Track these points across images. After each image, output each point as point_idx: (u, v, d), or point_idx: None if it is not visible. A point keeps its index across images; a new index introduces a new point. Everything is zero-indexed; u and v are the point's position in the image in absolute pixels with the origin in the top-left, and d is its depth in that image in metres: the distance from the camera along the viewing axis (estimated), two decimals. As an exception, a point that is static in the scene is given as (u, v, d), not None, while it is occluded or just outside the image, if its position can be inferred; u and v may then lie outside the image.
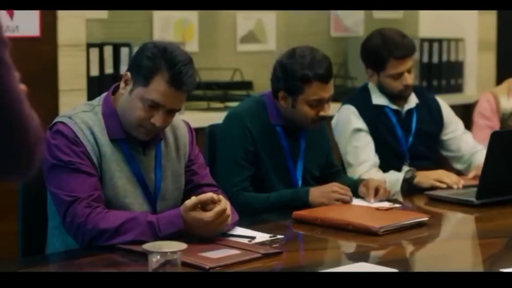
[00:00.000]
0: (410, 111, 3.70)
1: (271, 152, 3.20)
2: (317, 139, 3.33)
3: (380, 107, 3.66)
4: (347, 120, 3.63)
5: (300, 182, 3.25)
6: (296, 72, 3.10)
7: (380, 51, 3.57)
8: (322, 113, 3.14)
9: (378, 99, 3.66)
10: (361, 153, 3.58)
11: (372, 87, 3.69)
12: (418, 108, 3.72)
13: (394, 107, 3.67)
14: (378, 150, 3.61)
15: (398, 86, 3.61)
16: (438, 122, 3.79)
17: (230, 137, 3.18)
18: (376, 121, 3.63)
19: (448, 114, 3.84)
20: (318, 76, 3.09)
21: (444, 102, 3.88)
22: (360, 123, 3.61)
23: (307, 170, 3.28)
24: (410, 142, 3.68)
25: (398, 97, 3.66)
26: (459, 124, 3.86)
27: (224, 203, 2.53)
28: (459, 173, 3.69)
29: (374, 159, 3.58)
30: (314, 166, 3.32)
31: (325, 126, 3.42)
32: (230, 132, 3.20)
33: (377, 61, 3.60)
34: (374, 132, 3.62)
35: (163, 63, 2.54)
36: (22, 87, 1.48)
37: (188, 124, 2.85)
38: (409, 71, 3.60)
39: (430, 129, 3.74)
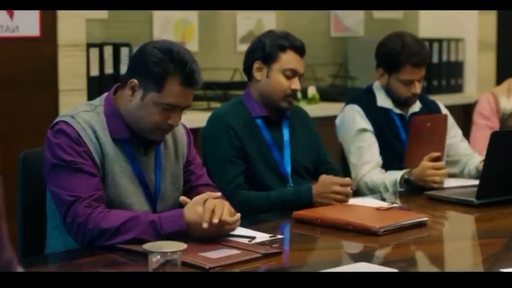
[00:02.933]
0: (414, 114, 3.70)
1: (256, 146, 3.25)
2: (302, 131, 3.39)
3: (385, 110, 3.66)
4: (352, 120, 3.64)
5: (289, 171, 3.28)
6: (273, 41, 3.26)
7: (398, 54, 3.58)
8: (294, 86, 3.24)
9: (383, 101, 3.67)
10: (365, 153, 3.59)
11: (377, 89, 3.70)
12: (422, 112, 3.72)
13: (398, 111, 3.68)
14: (381, 152, 3.61)
15: (406, 92, 3.62)
16: None
17: (216, 137, 3.24)
18: (381, 122, 3.64)
19: (449, 119, 3.84)
20: (294, 46, 3.25)
21: (444, 107, 3.89)
22: (365, 123, 3.62)
23: (298, 162, 3.32)
24: None
25: (403, 104, 3.67)
26: (458, 130, 3.89)
27: (234, 220, 2.55)
28: (453, 176, 3.69)
29: (377, 159, 3.59)
30: (305, 158, 3.35)
31: (309, 120, 3.48)
32: (215, 132, 3.26)
33: (393, 63, 3.61)
34: (379, 133, 3.63)
35: (173, 66, 2.55)
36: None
37: (185, 126, 2.86)
38: (419, 80, 3.63)
39: None
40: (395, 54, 3.60)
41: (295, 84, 3.25)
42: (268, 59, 3.25)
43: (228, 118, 3.25)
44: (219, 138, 3.22)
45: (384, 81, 3.66)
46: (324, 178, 3.11)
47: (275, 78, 3.25)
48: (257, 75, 3.29)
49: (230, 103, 3.42)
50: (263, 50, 3.26)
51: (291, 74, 3.24)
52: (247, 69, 3.33)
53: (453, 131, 3.84)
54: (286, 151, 3.30)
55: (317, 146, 3.44)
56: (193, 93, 2.63)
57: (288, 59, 3.24)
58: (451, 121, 3.85)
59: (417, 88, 3.62)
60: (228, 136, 3.22)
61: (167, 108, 2.57)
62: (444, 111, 3.86)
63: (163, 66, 2.55)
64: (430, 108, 3.80)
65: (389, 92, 3.66)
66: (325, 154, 3.47)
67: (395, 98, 3.66)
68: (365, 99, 3.69)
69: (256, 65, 3.28)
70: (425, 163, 3.43)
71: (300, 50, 3.26)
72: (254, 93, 3.32)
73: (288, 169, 3.29)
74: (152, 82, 2.56)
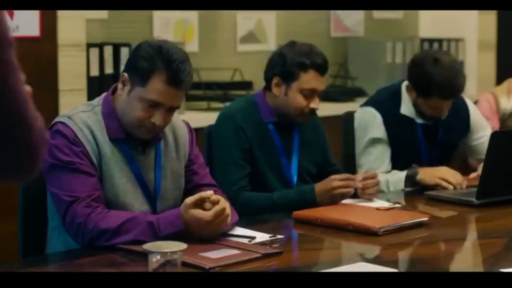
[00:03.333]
0: (437, 121, 3.63)
1: (264, 150, 3.22)
2: (312, 136, 3.35)
3: (407, 118, 3.60)
4: (368, 126, 3.61)
5: (295, 179, 3.26)
6: (294, 58, 3.16)
7: (430, 83, 3.45)
8: (312, 105, 3.18)
9: (407, 109, 3.60)
10: (374, 160, 3.57)
11: (404, 93, 3.62)
12: (446, 118, 3.63)
13: (421, 121, 3.62)
14: (397, 159, 3.57)
15: (431, 113, 3.56)
16: (464, 128, 3.74)
17: (225, 137, 3.20)
18: (400, 131, 3.59)
19: (476, 120, 3.78)
20: (316, 65, 3.15)
21: (473, 106, 3.82)
22: (380, 132, 3.58)
23: (303, 167, 3.29)
24: (432, 153, 3.63)
25: (426, 118, 3.61)
26: (486, 130, 3.79)
27: (223, 203, 2.53)
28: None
29: (386, 167, 3.57)
30: (310, 163, 3.33)
31: (319, 122, 3.43)
32: (224, 132, 3.21)
33: (423, 88, 3.51)
34: (396, 142, 3.58)
35: (160, 62, 2.54)
36: (28, 88, 1.48)
37: (188, 124, 2.85)
38: (447, 106, 3.54)
39: (453, 138, 3.70)
40: (427, 80, 3.46)
41: (314, 103, 3.17)
42: (288, 78, 3.16)
43: (239, 119, 3.19)
44: (228, 138, 3.18)
45: (412, 96, 3.58)
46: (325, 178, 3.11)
47: (293, 97, 3.16)
48: (275, 90, 3.20)
49: (242, 101, 3.33)
50: (283, 67, 3.16)
51: (310, 93, 3.16)
52: (267, 79, 3.25)
53: (480, 133, 3.77)
54: (294, 158, 3.27)
55: (324, 148, 3.40)
56: (181, 94, 2.60)
57: (308, 79, 3.15)
58: (477, 121, 3.78)
59: (444, 111, 3.53)
60: (237, 137, 3.17)
61: (151, 104, 2.56)
62: (473, 112, 3.79)
63: (150, 61, 2.55)
64: (458, 111, 3.70)
65: (415, 105, 3.59)
66: (330, 156, 3.45)
67: (420, 111, 3.59)
68: (388, 105, 3.62)
69: (275, 80, 3.19)
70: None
71: (321, 69, 3.16)
72: (270, 101, 3.23)
73: (295, 176, 3.25)
74: (139, 76, 2.56)
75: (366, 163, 3.59)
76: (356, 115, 3.71)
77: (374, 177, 3.14)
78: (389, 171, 3.58)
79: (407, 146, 3.61)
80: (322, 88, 3.20)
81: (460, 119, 3.73)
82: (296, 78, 3.15)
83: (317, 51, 3.19)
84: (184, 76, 2.55)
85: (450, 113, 3.62)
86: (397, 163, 3.59)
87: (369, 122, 3.62)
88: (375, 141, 3.60)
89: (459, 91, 3.54)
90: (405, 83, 3.65)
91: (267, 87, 3.25)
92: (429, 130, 3.63)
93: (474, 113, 3.81)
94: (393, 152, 3.61)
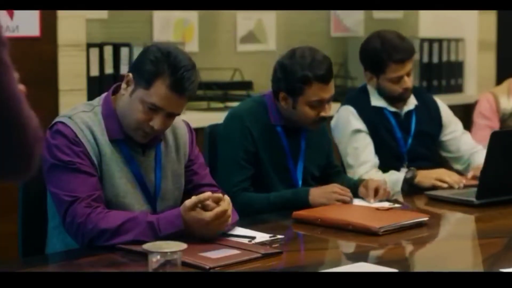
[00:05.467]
0: (409, 112, 3.71)
1: (271, 152, 3.20)
2: (318, 139, 3.34)
3: (379, 109, 3.66)
4: (346, 121, 3.63)
5: (300, 182, 3.25)
6: (296, 73, 3.11)
7: (379, 54, 3.56)
8: (322, 114, 3.15)
9: (377, 101, 3.66)
10: (361, 154, 3.58)
11: (371, 88, 3.69)
12: (417, 110, 3.72)
13: (393, 109, 3.67)
14: (377, 151, 3.61)
15: (397, 89, 3.61)
16: (437, 123, 3.80)
17: (231, 137, 3.19)
18: (375, 122, 3.64)
19: (447, 115, 3.84)
20: (318, 77, 3.10)
21: (442, 103, 3.89)
22: (359, 124, 3.61)
23: (308, 170, 3.28)
24: (409, 143, 3.68)
25: (397, 100, 3.66)
26: (458, 124, 3.87)
27: (226, 204, 2.53)
28: (458, 173, 3.70)
29: (374, 160, 3.59)
30: (314, 166, 3.32)
31: (325, 126, 3.42)
32: (231, 132, 3.20)
33: (376, 64, 3.59)
34: (373, 133, 3.62)
35: (166, 68, 2.54)
36: (21, 87, 1.48)
37: (188, 124, 2.85)
38: (408, 74, 3.60)
39: (429, 130, 3.75)
40: (376, 54, 3.57)
41: (324, 111, 3.14)
42: (293, 93, 3.13)
43: (247, 120, 3.17)
44: (234, 139, 3.17)
45: (373, 83, 3.65)
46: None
47: (302, 110, 3.13)
48: (283, 103, 3.17)
49: (251, 102, 3.31)
50: (286, 83, 3.13)
51: (318, 103, 3.13)
52: (274, 90, 3.21)
53: (452, 127, 3.83)
54: (300, 162, 3.26)
55: (327, 150, 3.40)
56: (183, 102, 2.59)
57: (313, 92, 3.10)
58: (448, 116, 3.84)
59: (407, 82, 3.60)
60: (244, 139, 3.16)
61: (151, 108, 2.56)
62: (444, 108, 3.85)
63: (157, 65, 2.55)
64: (429, 106, 3.79)
65: (381, 92, 3.65)
66: (332, 157, 3.45)
67: (389, 96, 3.65)
68: (359, 100, 3.68)
69: (281, 95, 3.16)
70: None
71: (325, 78, 3.11)
72: (280, 108, 3.21)
73: (300, 180, 3.25)
74: (143, 79, 2.56)
75: (354, 157, 3.58)
76: (331, 121, 3.73)
77: (374, 185, 3.16)
78: (377, 164, 3.59)
79: (384, 137, 3.64)
80: (330, 94, 3.15)
81: (431, 114, 3.79)
82: (301, 93, 3.11)
83: (318, 59, 3.12)
84: (188, 84, 2.55)
85: (420, 108, 3.73)
86: (378, 154, 3.60)
87: (347, 117, 3.64)
88: (356, 132, 3.61)
89: (410, 51, 3.60)
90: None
91: (276, 97, 3.22)
92: (402, 120, 3.68)
93: (444, 108, 3.86)
94: (374, 144, 3.62)
